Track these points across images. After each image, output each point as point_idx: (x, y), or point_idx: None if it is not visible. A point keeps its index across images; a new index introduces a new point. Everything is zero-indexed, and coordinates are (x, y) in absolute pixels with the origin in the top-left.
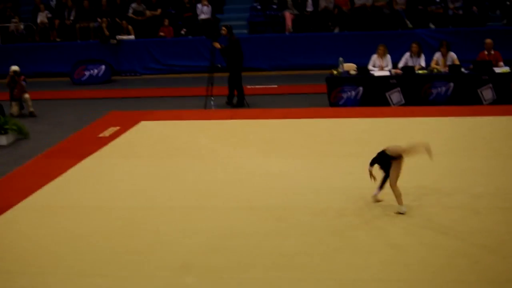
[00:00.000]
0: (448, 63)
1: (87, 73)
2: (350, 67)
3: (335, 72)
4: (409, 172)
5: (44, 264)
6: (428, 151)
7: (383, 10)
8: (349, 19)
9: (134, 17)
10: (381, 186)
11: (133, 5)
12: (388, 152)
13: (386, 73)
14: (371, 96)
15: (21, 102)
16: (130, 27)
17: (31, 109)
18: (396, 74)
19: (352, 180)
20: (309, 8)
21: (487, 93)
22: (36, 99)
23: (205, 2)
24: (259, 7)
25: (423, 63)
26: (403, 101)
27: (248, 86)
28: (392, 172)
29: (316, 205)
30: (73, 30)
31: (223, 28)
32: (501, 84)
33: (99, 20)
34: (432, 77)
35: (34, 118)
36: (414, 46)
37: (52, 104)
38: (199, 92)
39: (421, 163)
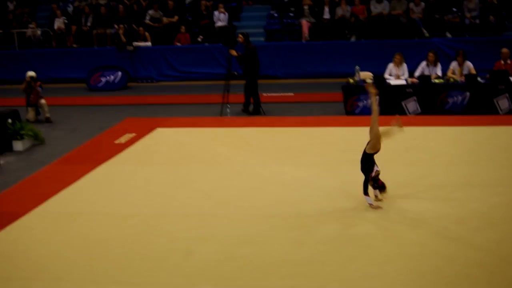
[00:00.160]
0: (465, 72)
1: (103, 79)
2: (367, 76)
3: (351, 80)
4: (425, 182)
5: (58, 270)
6: (398, 123)
7: (400, 19)
8: (366, 27)
9: (151, 23)
10: (374, 186)
11: (150, 11)
12: (370, 151)
13: (402, 82)
14: (387, 105)
15: (37, 108)
16: (147, 33)
17: (47, 115)
18: (412, 83)
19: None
20: (326, 16)
21: (503, 103)
22: (52, 105)
23: (222, 10)
24: (276, 15)
25: (439, 72)
26: (419, 110)
27: (264, 94)
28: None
29: (331, 213)
30: (90, 36)
31: (240, 35)
32: None
33: (116, 26)
34: (448, 86)
35: (50, 124)
36: (431, 55)
37: (68, 110)
38: (215, 100)
39: (438, 172)
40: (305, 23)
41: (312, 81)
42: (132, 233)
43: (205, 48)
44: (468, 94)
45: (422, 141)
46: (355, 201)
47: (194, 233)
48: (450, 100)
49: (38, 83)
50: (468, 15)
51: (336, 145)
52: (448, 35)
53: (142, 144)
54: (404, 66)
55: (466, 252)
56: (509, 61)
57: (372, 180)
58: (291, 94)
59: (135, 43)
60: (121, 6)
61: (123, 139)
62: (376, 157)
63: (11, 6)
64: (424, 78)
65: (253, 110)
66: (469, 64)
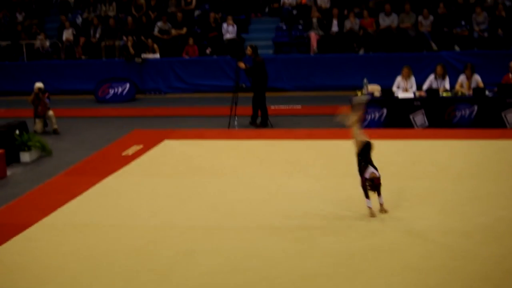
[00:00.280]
0: (473, 85)
1: (111, 91)
2: (375, 89)
3: (359, 93)
4: (432, 195)
5: (63, 281)
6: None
7: (409, 32)
8: (374, 40)
9: (160, 35)
10: (371, 187)
11: (159, 23)
12: (356, 152)
13: (410, 95)
14: (394, 118)
15: (45, 119)
16: (155, 45)
17: (55, 126)
18: (420, 96)
19: (374, 201)
20: (335, 29)
21: (511, 117)
22: (60, 117)
23: (231, 22)
24: (284, 27)
25: (447, 85)
26: (427, 123)
27: (272, 107)
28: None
29: (338, 226)
30: (98, 48)
31: (248, 48)
32: None
33: (124, 38)
34: (456, 99)
35: (57, 135)
36: (439, 68)
37: (76, 122)
38: (223, 112)
39: (445, 186)
40: (313, 36)
41: (320, 94)
42: (138, 245)
43: (214, 61)
44: (476, 107)
45: (429, 155)
46: (361, 214)
47: (199, 245)
48: (458, 114)
49: (46, 94)
50: (476, 28)
51: (343, 158)
52: (457, 48)
53: (149, 156)
54: (412, 79)
55: (472, 266)
56: None
57: (369, 180)
58: (299, 106)
59: (144, 55)
60: (129, 18)
61: (130, 151)
62: (383, 169)
63: (20, 17)
64: (431, 91)
65: (260, 122)
66: (477, 78)
